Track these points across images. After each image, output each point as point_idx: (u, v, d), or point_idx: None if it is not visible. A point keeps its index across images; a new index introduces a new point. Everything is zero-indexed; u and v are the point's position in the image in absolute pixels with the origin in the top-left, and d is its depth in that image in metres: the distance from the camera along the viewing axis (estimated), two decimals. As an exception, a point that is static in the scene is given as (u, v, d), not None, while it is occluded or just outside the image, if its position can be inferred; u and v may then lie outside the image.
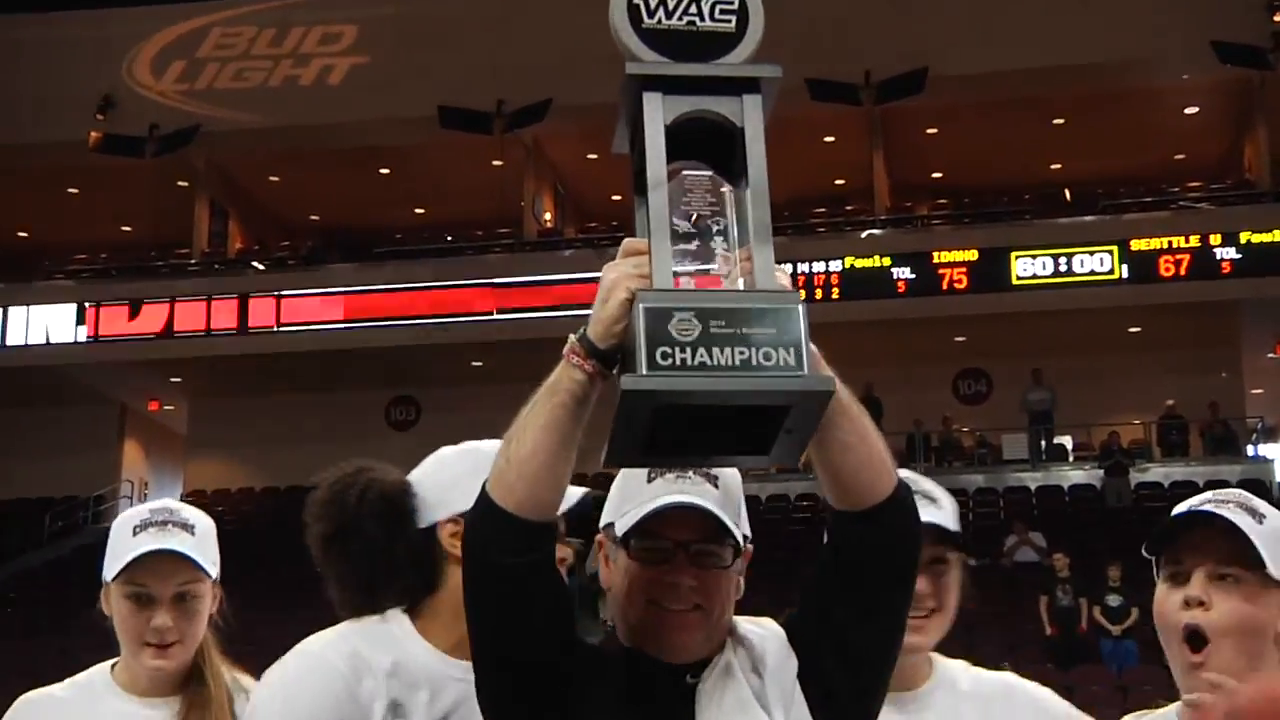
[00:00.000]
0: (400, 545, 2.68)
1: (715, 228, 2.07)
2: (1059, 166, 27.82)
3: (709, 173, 2.07)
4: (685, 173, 2.08)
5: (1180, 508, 2.51)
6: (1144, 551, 2.51)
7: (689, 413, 1.97)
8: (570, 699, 2.32)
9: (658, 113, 2.02)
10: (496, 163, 27.06)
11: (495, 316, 24.83)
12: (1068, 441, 24.66)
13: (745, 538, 2.38)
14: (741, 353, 1.91)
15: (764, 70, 2.02)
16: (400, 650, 2.61)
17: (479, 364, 25.73)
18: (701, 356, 1.91)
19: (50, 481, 26.51)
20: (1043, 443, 24.25)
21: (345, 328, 25.04)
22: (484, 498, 2.25)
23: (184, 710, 2.86)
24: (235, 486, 27.07)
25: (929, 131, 26.93)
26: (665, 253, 2.00)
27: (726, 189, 2.09)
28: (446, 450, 2.73)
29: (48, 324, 26.09)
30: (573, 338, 2.12)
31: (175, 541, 2.84)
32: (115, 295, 26.31)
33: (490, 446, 2.46)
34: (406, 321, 24.94)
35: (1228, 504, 2.44)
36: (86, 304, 26.19)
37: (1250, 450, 24.51)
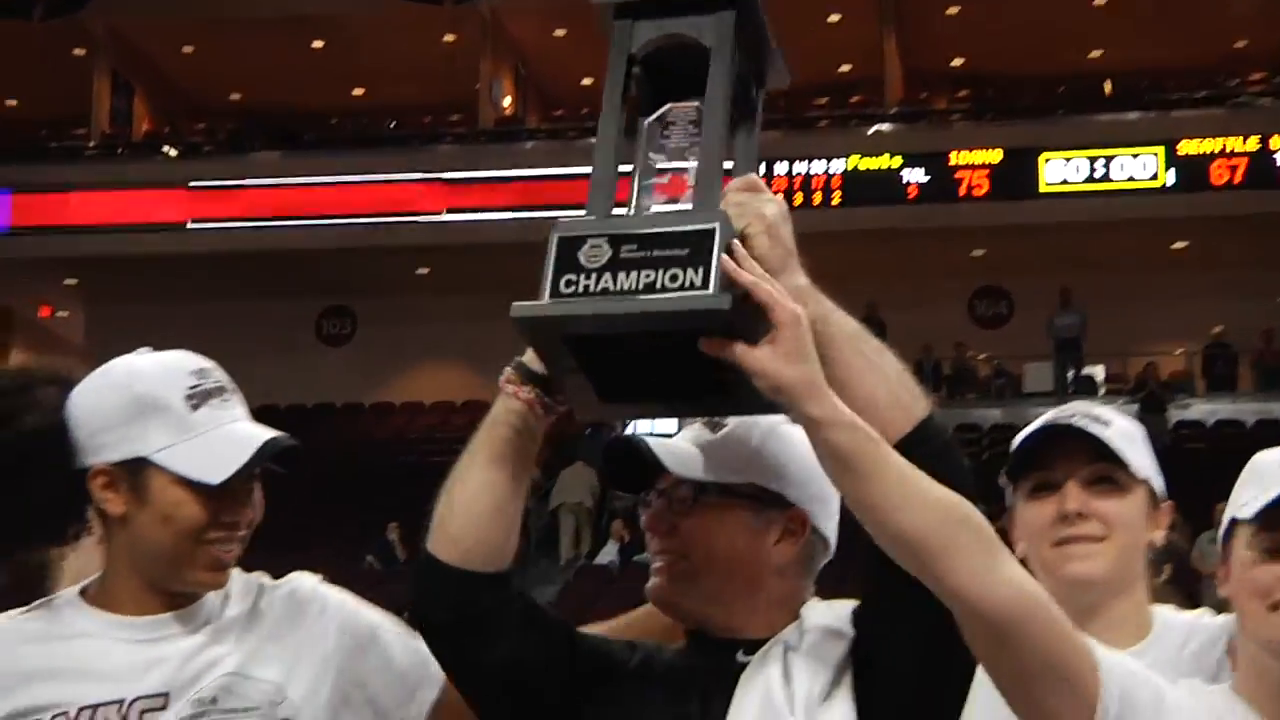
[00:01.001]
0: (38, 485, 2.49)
1: (692, 152, 2.14)
2: (1098, 54, 27.74)
3: (695, 103, 2.13)
4: (670, 105, 2.17)
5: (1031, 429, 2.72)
6: (1003, 478, 2.71)
7: (626, 346, 2.05)
8: (602, 692, 2.40)
9: (624, 41, 2.13)
10: (448, 38, 27.01)
11: (445, 217, 24.79)
12: (1098, 372, 24.81)
13: (773, 493, 2.43)
14: (648, 275, 1.99)
15: None
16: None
17: (424, 271, 25.70)
18: (605, 282, 2.00)
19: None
20: (1070, 373, 24.37)
21: (270, 226, 24.96)
22: (424, 556, 2.30)
23: None
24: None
25: (949, 11, 26.81)
26: (601, 184, 2.10)
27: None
28: (103, 378, 2.53)
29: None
30: (508, 368, 2.20)
31: None
32: None
33: (147, 367, 2.50)
34: (341, 220, 24.88)
35: (1074, 417, 2.67)
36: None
37: (1304, 387, 24.73)
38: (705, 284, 1.98)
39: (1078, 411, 2.68)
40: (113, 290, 27.15)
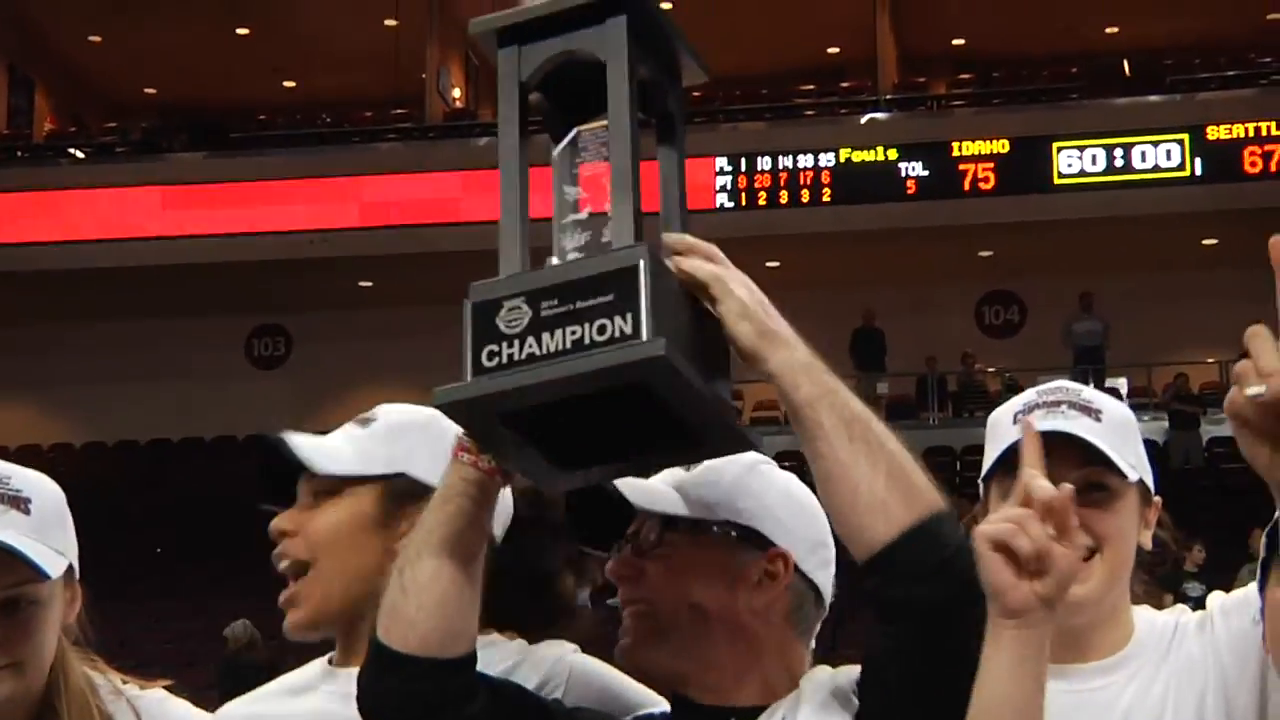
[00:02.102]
0: None
1: (606, 178, 2.12)
2: (1115, 30, 27.87)
3: (604, 123, 2.12)
4: (577, 129, 2.16)
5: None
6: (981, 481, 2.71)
7: (564, 414, 2.05)
8: None
9: (511, 70, 2.15)
10: (389, 22, 27.00)
11: (388, 221, 24.75)
12: (1122, 385, 24.86)
13: (744, 528, 2.43)
14: (574, 332, 1.99)
15: None
16: None
17: (367, 284, 25.67)
18: (530, 347, 2.01)
19: None
20: (1091, 385, 24.45)
21: (191, 236, 24.88)
22: (376, 646, 2.30)
23: None
24: (47, 442, 26.93)
25: (949, -15, 26.96)
26: (511, 241, 2.10)
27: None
28: None
29: None
30: (459, 433, 2.19)
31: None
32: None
33: None
34: (272, 229, 24.83)
35: (1059, 407, 2.66)
36: None
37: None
38: (636, 331, 1.96)
39: (1064, 400, 2.68)
40: (13, 310, 26.98)
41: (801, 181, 23.74)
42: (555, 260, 2.11)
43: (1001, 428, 2.65)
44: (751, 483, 2.46)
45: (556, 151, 2.18)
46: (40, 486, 2.62)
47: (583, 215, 2.13)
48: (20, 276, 25.36)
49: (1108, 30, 27.85)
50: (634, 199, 2.05)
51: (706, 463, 2.43)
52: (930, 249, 23.92)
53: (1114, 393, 24.08)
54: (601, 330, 1.97)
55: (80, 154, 27.53)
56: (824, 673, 2.43)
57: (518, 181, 2.13)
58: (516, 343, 2.01)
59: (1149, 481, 2.73)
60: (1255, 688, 2.61)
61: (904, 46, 27.66)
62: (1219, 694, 2.66)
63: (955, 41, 28.34)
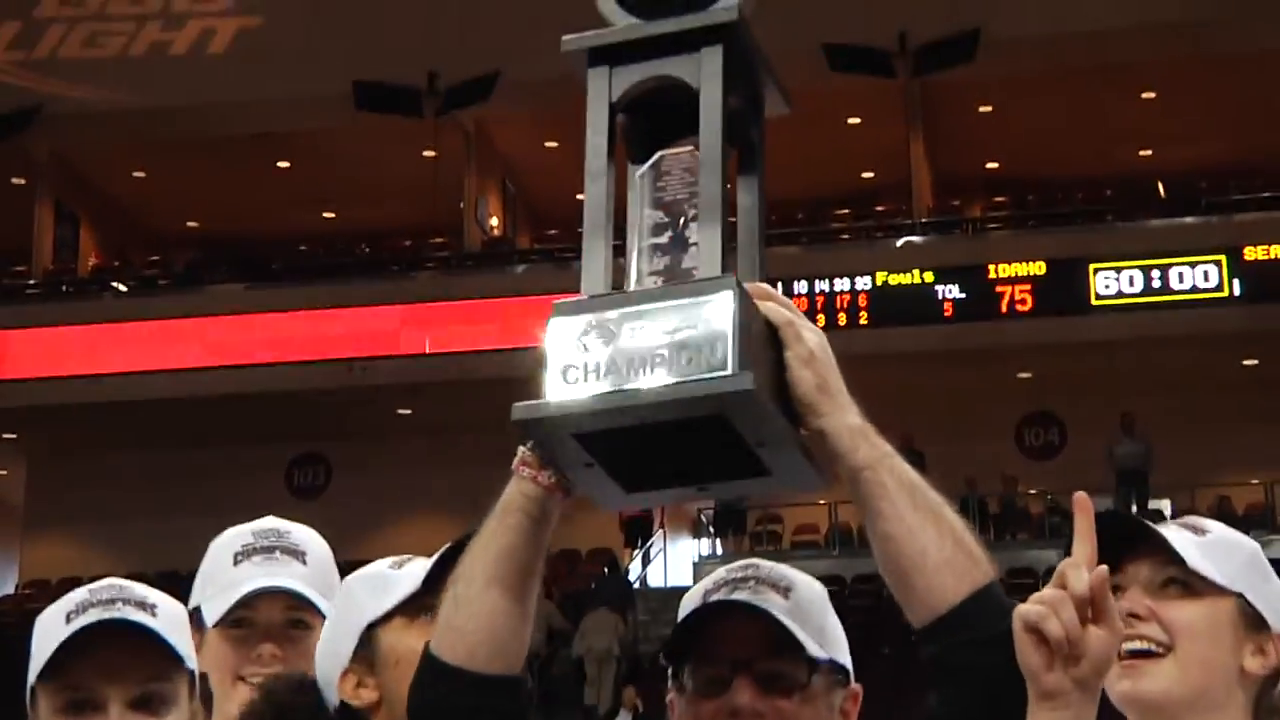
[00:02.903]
0: None
1: (692, 205, 2.12)
2: (1149, 153, 28.00)
3: (690, 148, 2.12)
4: (662, 153, 2.15)
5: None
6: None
7: (641, 439, 2.03)
8: None
9: (601, 91, 2.12)
10: (428, 153, 27.23)
11: (428, 350, 24.82)
12: (1166, 507, 24.68)
13: (841, 668, 2.44)
14: (659, 358, 1.97)
15: (715, 15, 2.07)
16: None
17: (406, 412, 25.70)
18: (612, 371, 1.99)
19: None
20: (1134, 508, 24.30)
21: (233, 367, 24.96)
22: (428, 657, 2.27)
23: None
24: (89, 574, 26.89)
25: (982, 110, 27.11)
26: (595, 258, 2.09)
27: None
28: None
29: None
30: (523, 448, 2.17)
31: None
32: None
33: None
34: (313, 358, 24.90)
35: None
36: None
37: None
38: (723, 363, 1.96)
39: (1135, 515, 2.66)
40: (57, 443, 27.15)
41: (838, 305, 23.80)
42: (634, 283, 2.11)
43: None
44: (834, 619, 2.47)
45: (639, 174, 2.17)
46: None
47: (663, 239, 2.12)
48: (62, 410, 25.47)
49: (1141, 153, 27.98)
50: (723, 228, 2.05)
51: (808, 596, 2.45)
52: (969, 371, 23.88)
53: (1159, 515, 24.14)
54: (689, 361, 1.96)
55: (123, 288, 27.69)
56: None
57: (604, 202, 2.11)
58: (598, 365, 2.00)
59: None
60: None
61: (938, 170, 27.77)
62: None
63: (989, 165, 28.49)
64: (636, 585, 23.99)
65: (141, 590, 2.56)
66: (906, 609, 2.20)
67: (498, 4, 25.48)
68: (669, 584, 24.52)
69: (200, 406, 24.79)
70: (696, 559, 24.83)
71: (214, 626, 2.95)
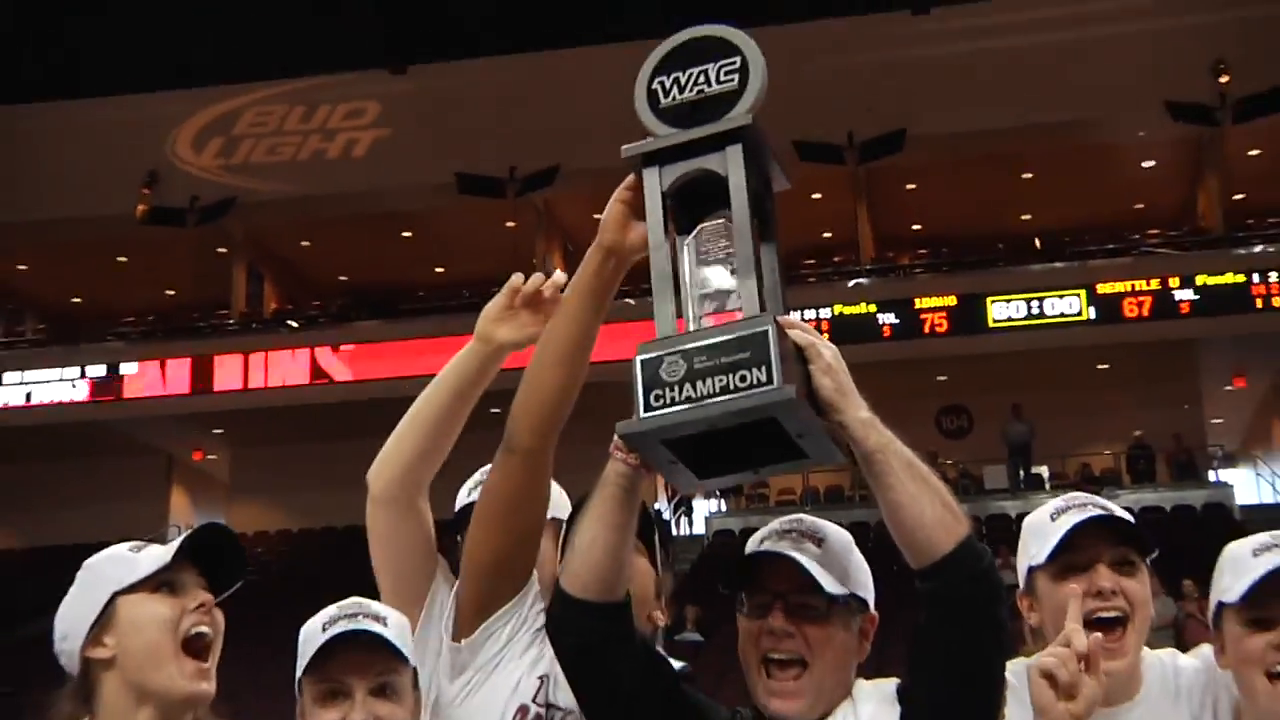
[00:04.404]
0: None
1: (730, 265, 2.10)
2: (1029, 217, 27.89)
3: (721, 220, 2.10)
4: (701, 226, 2.12)
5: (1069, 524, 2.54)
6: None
7: (709, 438, 2.02)
8: None
9: (655, 184, 2.10)
10: (509, 224, 27.28)
11: (512, 368, 24.76)
12: (1044, 471, 24.60)
13: (862, 601, 2.40)
14: (720, 380, 1.97)
15: (735, 121, 2.06)
16: None
17: (496, 411, 25.67)
18: (687, 391, 1.98)
19: (107, 527, 26.34)
20: (1021, 473, 24.20)
21: (372, 381, 25.01)
22: (558, 588, 2.29)
23: None
24: (274, 529, 27.03)
25: (908, 187, 27.04)
26: (664, 308, 2.08)
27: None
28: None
29: (101, 384, 26.17)
30: (617, 435, 2.15)
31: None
32: (159, 354, 26.43)
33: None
34: (428, 373, 24.82)
35: (1087, 507, 2.55)
36: (135, 362, 26.31)
37: (1212, 476, 24.48)
38: (770, 379, 1.95)
39: (1087, 501, 2.57)
40: (252, 436, 27.29)
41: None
42: (691, 324, 2.09)
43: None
44: (858, 559, 2.44)
45: (685, 242, 2.14)
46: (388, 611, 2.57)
47: (710, 290, 2.10)
48: (254, 412, 25.62)
49: (1023, 217, 27.88)
50: (757, 278, 2.05)
51: (837, 544, 2.42)
52: (901, 376, 23.77)
53: (1039, 479, 23.96)
54: (743, 379, 1.96)
55: (294, 324, 27.77)
56: (867, 684, 2.40)
57: (668, 267, 2.10)
58: (676, 388, 2.00)
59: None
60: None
61: (877, 231, 27.74)
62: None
63: (915, 227, 28.42)
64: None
65: (376, 606, 2.53)
66: (908, 555, 2.18)
67: (558, 115, 25.52)
68: (690, 533, 24.49)
69: (349, 408, 24.82)
70: (708, 515, 24.75)
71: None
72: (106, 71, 27.00)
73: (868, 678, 2.42)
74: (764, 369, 1.95)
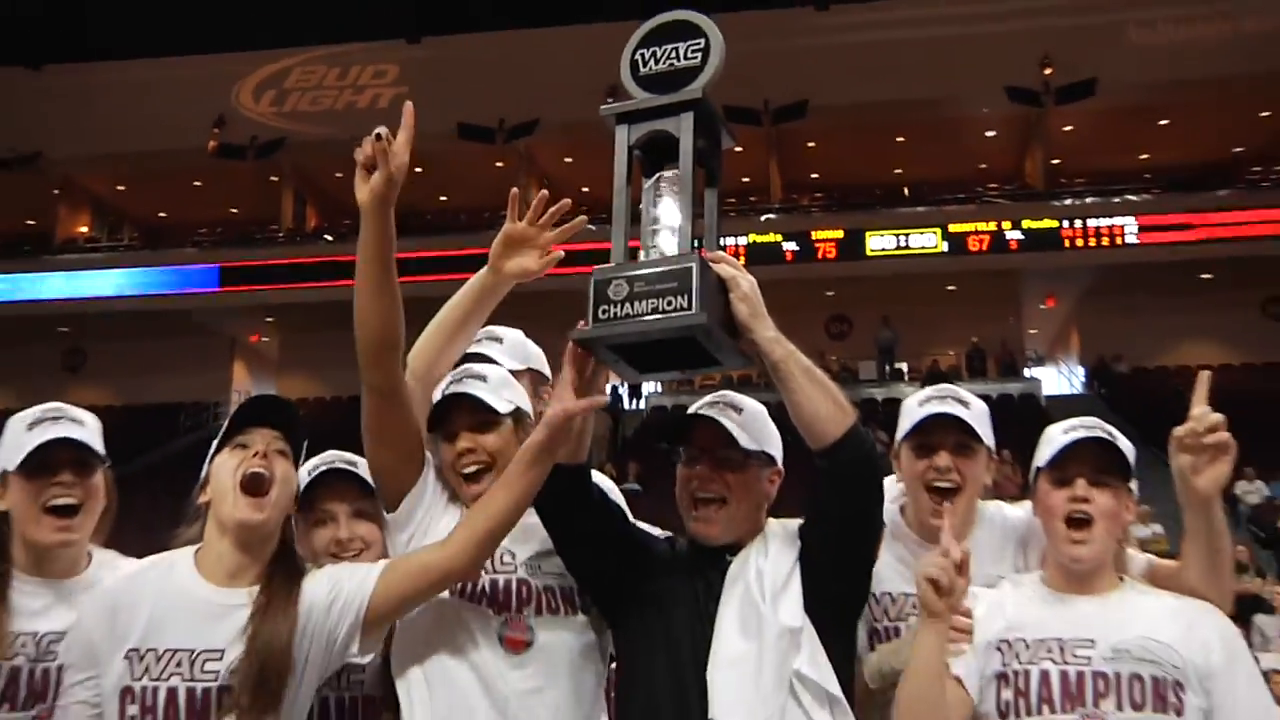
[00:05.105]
0: None
1: (677, 208, 2.07)
2: (900, 171, 27.79)
3: (674, 172, 2.05)
4: (660, 174, 2.08)
5: (926, 410, 2.48)
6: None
7: (644, 346, 2.01)
8: (642, 564, 2.33)
9: (623, 138, 2.06)
10: (499, 164, 26.87)
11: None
12: (905, 367, 24.86)
13: (769, 456, 2.36)
14: (652, 303, 1.96)
15: (688, 94, 2.02)
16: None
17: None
18: (627, 309, 1.97)
19: (184, 391, 26.40)
20: (887, 368, 24.42)
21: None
22: None
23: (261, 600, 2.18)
24: (311, 395, 26.92)
25: (809, 145, 26.83)
26: (620, 240, 2.05)
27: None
28: None
29: (180, 280, 25.82)
30: (570, 340, 2.12)
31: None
32: (225, 259, 26.08)
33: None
34: (426, 276, 24.61)
35: (945, 400, 2.49)
36: (206, 265, 25.97)
37: (1027, 373, 24.84)
38: (690, 306, 1.93)
39: (949, 395, 2.51)
40: (295, 324, 27.03)
41: (728, 254, 23.61)
42: (643, 255, 2.05)
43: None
44: (770, 427, 2.41)
45: (646, 186, 2.10)
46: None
47: (658, 227, 2.07)
48: (297, 305, 25.32)
49: (896, 171, 27.77)
50: (688, 221, 2.03)
51: (753, 413, 2.39)
52: (798, 292, 23.84)
53: (900, 373, 24.10)
54: (669, 304, 1.94)
55: (329, 238, 27.37)
56: (776, 523, 2.39)
57: (624, 206, 2.06)
58: (618, 305, 1.97)
59: (990, 445, 2.53)
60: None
61: (784, 178, 27.52)
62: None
63: (813, 176, 28.26)
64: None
65: (349, 456, 2.49)
66: (808, 439, 2.17)
67: (538, 81, 25.08)
68: (635, 408, 24.60)
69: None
70: (646, 394, 24.79)
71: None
72: (186, 33, 26.38)
73: (775, 517, 2.43)
74: (685, 297, 1.93)
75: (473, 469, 2.35)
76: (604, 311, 1.98)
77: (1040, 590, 2.29)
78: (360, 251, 2.19)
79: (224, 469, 2.23)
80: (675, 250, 2.01)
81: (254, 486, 2.21)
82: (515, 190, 2.43)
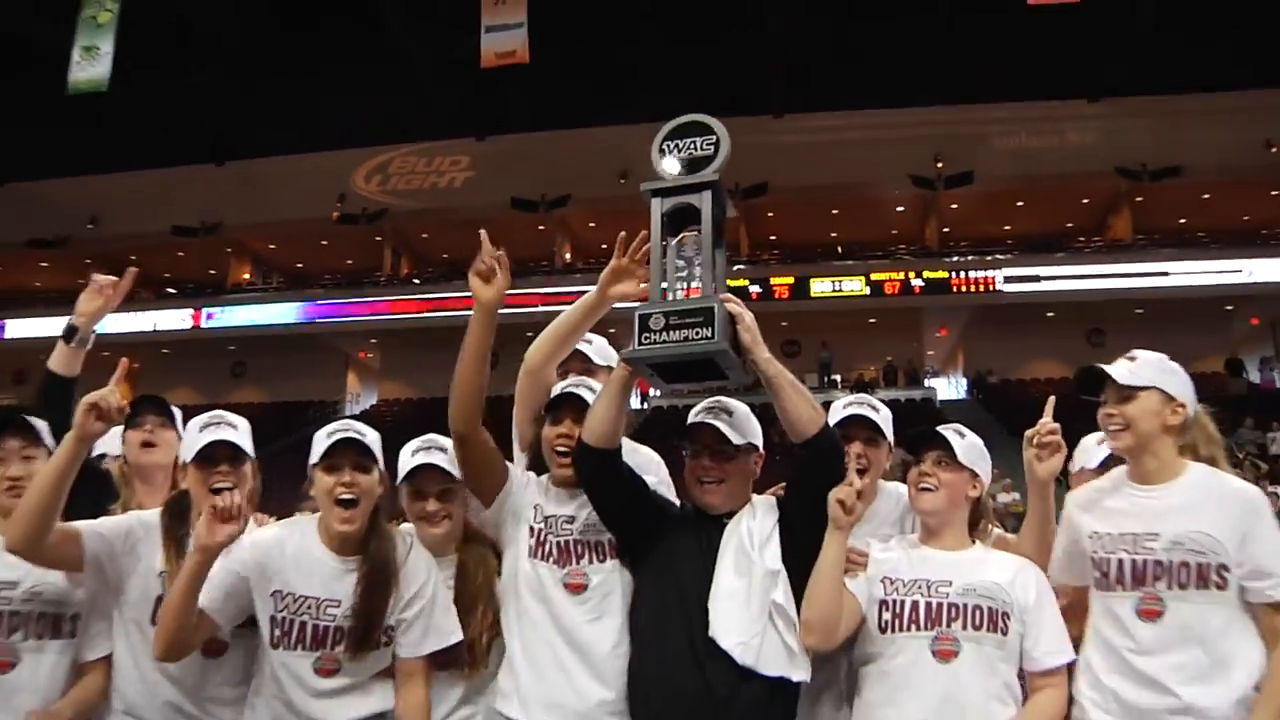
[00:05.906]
0: None
1: (697, 261, 2.08)
2: (835, 235, 27.68)
3: (695, 232, 2.08)
4: (682, 234, 2.10)
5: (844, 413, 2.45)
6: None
7: (675, 364, 2.01)
8: (661, 523, 2.30)
9: (657, 208, 2.09)
10: (540, 228, 26.69)
11: (541, 309, 24.35)
12: (839, 378, 24.77)
13: (754, 445, 2.34)
14: (683, 333, 1.96)
15: (707, 176, 2.06)
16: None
17: (531, 334, 25.41)
18: (663, 336, 1.97)
19: (311, 393, 26.36)
20: (825, 379, 24.34)
21: (457, 313, 24.60)
22: (579, 439, 2.22)
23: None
24: (402, 396, 26.86)
25: (769, 215, 26.69)
26: (656, 284, 2.05)
27: (705, 239, 2.10)
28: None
29: (312, 313, 25.76)
30: (619, 357, 2.10)
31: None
32: (341, 296, 26.00)
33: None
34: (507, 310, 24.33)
35: (861, 405, 2.48)
36: (330, 301, 25.95)
37: (927, 383, 24.73)
38: (713, 335, 1.94)
39: (864, 401, 2.53)
40: (394, 344, 26.93)
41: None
42: (671, 295, 2.04)
43: (836, 410, 2.41)
44: (754, 422, 2.38)
45: (672, 243, 2.08)
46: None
47: (683, 274, 2.07)
48: (394, 331, 25.17)
49: (832, 234, 27.66)
50: (713, 272, 2.03)
51: (740, 414, 2.33)
52: (761, 323, 23.18)
53: (835, 383, 23.84)
54: (696, 333, 1.94)
55: (417, 281, 27.20)
56: (759, 497, 2.38)
57: (659, 259, 2.04)
58: (658, 333, 1.96)
59: (890, 441, 2.49)
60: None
61: (751, 238, 27.42)
62: None
63: (772, 238, 28.15)
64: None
65: (443, 440, 2.37)
66: (790, 434, 2.16)
67: (571, 166, 24.99)
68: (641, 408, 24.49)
69: (447, 329, 24.27)
70: (651, 395, 24.69)
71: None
72: (319, 135, 26.44)
73: (759, 492, 2.42)
74: (709, 329, 1.93)
75: (564, 449, 2.37)
76: (646, 338, 1.97)
77: (916, 545, 2.33)
78: (470, 339, 2.23)
79: (322, 486, 2.24)
80: (699, 293, 2.02)
81: (345, 505, 2.24)
82: (623, 233, 2.41)
